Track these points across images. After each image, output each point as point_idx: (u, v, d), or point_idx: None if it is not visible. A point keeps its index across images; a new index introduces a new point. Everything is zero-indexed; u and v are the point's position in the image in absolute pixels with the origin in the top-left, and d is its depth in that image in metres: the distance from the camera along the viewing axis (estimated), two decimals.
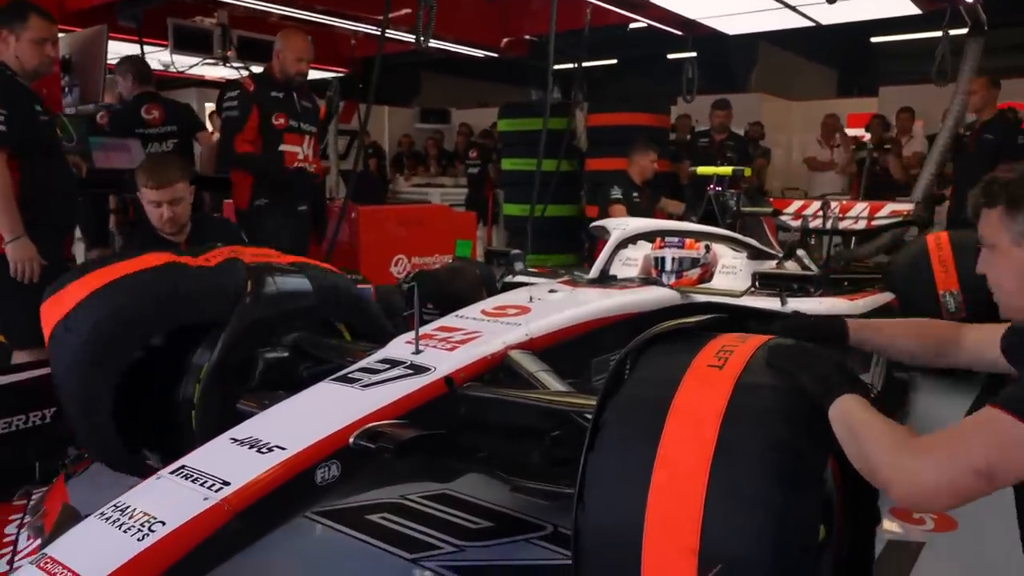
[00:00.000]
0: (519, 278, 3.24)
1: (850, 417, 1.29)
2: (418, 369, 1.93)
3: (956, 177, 5.77)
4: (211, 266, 2.39)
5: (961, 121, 6.32)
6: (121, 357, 2.19)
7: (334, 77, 6.76)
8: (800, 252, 4.04)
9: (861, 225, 4.91)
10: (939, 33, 5.82)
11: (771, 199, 5.73)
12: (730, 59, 9.33)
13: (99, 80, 5.26)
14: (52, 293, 2.25)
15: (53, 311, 2.16)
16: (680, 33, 6.58)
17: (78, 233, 6.31)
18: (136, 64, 4.82)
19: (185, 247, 2.97)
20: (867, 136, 7.92)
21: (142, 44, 6.08)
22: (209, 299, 2.34)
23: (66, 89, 5.12)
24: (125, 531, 1.37)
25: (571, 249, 7.12)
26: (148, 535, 1.35)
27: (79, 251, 6.38)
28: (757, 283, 3.08)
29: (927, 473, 1.19)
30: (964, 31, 6.02)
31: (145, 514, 1.40)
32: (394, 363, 1.97)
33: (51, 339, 2.16)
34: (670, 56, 8.53)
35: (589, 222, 6.87)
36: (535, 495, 1.91)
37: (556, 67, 8.41)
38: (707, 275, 3.48)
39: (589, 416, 1.45)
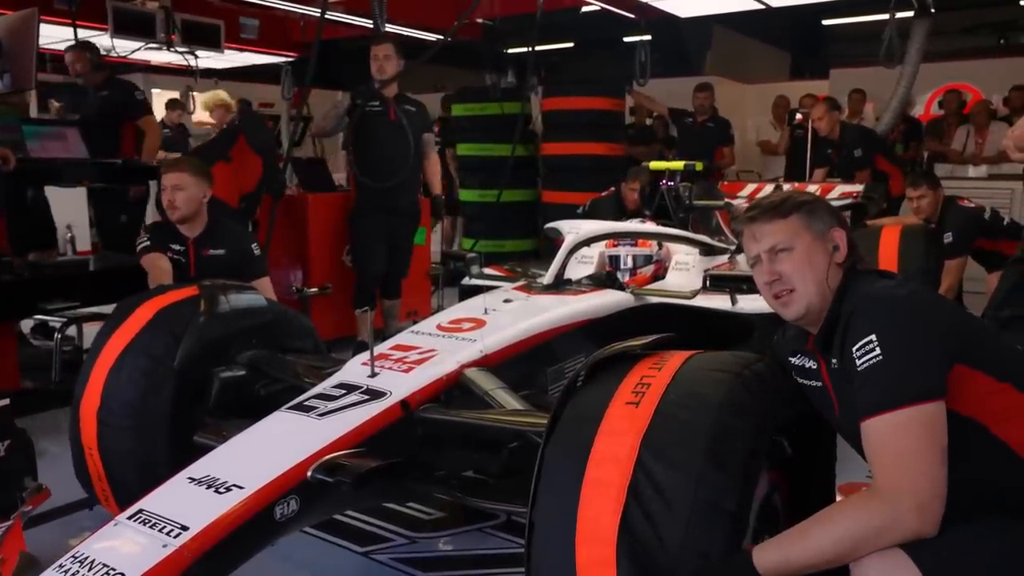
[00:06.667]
0: (475, 281, 3.26)
1: (790, 559, 1.31)
2: (374, 394, 1.95)
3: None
4: None
5: (905, 102, 6.51)
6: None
7: (285, 62, 6.62)
8: None
9: None
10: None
11: (723, 183, 5.81)
12: (685, 42, 9.35)
13: (31, 65, 5.06)
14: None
15: None
16: (632, 16, 6.59)
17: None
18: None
19: (193, 244, 3.28)
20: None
21: (75, 27, 5.86)
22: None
23: None
24: None
25: (527, 234, 7.14)
26: None
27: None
28: (708, 283, 3.16)
29: (908, 497, 1.26)
30: (911, 14, 6.14)
31: (104, 565, 1.40)
32: (350, 388, 1.98)
33: None
34: (626, 39, 8.51)
35: (545, 207, 6.91)
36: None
37: (511, 51, 8.38)
38: (660, 271, 3.55)
39: (542, 434, 1.54)
